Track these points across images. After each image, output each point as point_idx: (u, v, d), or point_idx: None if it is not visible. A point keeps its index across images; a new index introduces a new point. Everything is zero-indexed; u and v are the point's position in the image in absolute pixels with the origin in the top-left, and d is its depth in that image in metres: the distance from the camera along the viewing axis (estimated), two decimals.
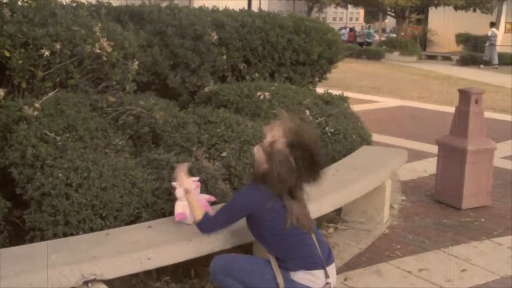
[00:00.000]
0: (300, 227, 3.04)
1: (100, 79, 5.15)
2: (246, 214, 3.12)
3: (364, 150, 5.49)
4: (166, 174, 3.94)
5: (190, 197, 3.27)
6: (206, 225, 3.20)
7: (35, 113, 4.15)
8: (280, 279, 3.01)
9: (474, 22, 26.66)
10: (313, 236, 3.12)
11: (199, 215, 3.21)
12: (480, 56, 24.97)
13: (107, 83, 5.15)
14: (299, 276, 3.02)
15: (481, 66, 24.02)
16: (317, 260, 3.05)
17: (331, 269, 3.12)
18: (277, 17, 7.15)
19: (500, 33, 28.49)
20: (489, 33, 24.86)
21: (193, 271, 3.80)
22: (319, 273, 3.04)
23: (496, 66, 23.83)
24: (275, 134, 3.04)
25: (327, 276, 3.05)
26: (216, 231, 3.24)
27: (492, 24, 25.21)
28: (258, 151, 3.11)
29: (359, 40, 35.56)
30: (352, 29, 39.66)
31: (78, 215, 3.47)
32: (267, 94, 5.68)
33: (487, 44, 24.77)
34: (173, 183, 3.47)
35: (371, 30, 39.24)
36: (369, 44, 34.30)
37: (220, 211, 3.20)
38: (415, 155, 7.11)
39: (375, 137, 6.89)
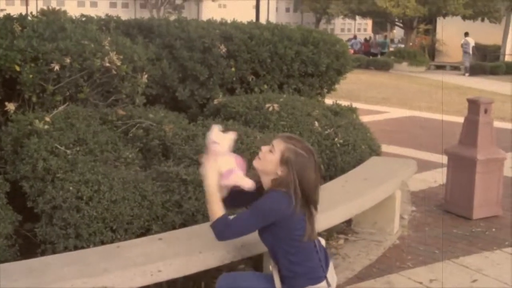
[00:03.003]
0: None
1: (109, 92, 5.17)
2: (272, 220, 2.88)
3: (374, 161, 5.49)
4: (176, 187, 3.96)
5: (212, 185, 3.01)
6: (223, 230, 2.92)
7: (46, 127, 4.18)
8: None
9: (482, 32, 26.69)
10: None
11: (217, 213, 2.92)
12: (489, 66, 25.11)
13: (116, 97, 5.17)
14: None
15: (466, 74, 24.57)
16: (320, 274, 2.97)
17: (331, 271, 3.04)
18: (285, 29, 7.16)
19: (508, 43, 28.74)
20: (462, 41, 26.07)
21: (203, 284, 3.80)
22: (323, 285, 2.96)
23: (467, 73, 24.82)
24: (277, 144, 2.95)
25: (328, 284, 2.98)
26: (235, 238, 3.02)
27: (466, 34, 26.18)
28: (263, 161, 2.99)
29: (372, 50, 35.45)
30: (367, 40, 39.36)
31: (89, 228, 3.49)
32: (276, 105, 5.69)
33: (463, 52, 25.83)
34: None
35: (387, 40, 39.12)
36: (383, 54, 34.06)
37: (243, 216, 2.94)
38: (424, 165, 7.10)
39: (384, 147, 6.89)
